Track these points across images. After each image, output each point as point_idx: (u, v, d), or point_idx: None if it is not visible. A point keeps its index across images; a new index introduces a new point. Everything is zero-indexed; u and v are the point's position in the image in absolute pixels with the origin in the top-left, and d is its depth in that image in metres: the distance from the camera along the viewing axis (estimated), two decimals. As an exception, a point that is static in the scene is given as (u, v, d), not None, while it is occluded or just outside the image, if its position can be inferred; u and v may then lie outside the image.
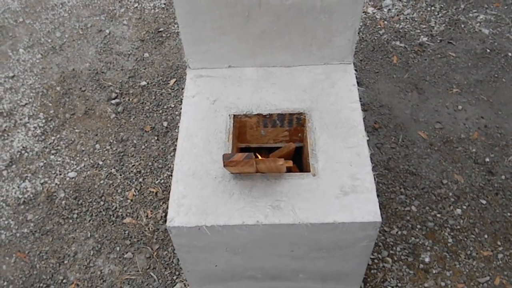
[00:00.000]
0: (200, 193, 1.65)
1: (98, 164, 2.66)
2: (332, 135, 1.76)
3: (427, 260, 2.24)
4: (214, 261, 1.79)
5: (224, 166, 1.57)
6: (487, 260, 2.23)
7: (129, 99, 2.94)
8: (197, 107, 1.89)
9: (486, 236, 2.30)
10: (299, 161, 2.07)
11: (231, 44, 1.89)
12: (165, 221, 2.39)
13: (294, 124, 1.90)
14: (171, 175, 2.52)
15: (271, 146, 2.06)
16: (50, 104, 2.95)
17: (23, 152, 2.74)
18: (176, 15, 1.82)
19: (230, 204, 1.61)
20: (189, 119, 1.85)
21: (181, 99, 2.89)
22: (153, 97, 2.94)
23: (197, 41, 1.88)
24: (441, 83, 2.90)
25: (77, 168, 2.65)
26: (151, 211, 2.47)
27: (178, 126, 2.68)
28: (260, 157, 2.01)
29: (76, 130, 2.82)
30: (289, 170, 1.72)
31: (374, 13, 3.32)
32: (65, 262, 2.33)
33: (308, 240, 1.65)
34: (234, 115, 1.85)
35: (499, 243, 2.28)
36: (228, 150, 1.74)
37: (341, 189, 1.63)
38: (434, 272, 2.21)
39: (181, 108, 2.21)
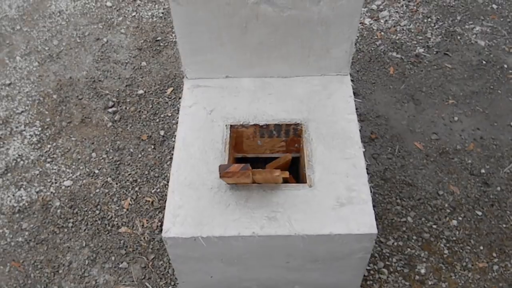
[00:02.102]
0: (196, 204, 1.64)
1: (94, 172, 2.65)
2: (328, 146, 1.77)
3: (422, 271, 2.24)
4: (209, 272, 1.78)
5: (220, 177, 1.57)
6: (482, 272, 2.23)
7: (126, 108, 2.94)
8: (194, 117, 1.89)
9: (481, 248, 2.30)
10: (295, 171, 2.07)
11: (229, 55, 1.90)
12: (161, 230, 2.38)
13: (291, 134, 1.91)
14: (167, 184, 2.52)
15: (267, 156, 2.06)
16: (46, 112, 2.94)
17: (18, 160, 2.73)
18: (174, 25, 1.82)
19: (226, 215, 1.61)
20: (186, 129, 1.85)
21: (178, 108, 2.88)
22: (150, 106, 2.94)
23: (195, 51, 1.89)
24: (437, 94, 2.91)
25: (73, 177, 2.64)
26: (146, 220, 2.46)
27: (175, 135, 2.68)
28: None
29: (73, 139, 2.81)
30: (285, 181, 1.72)
31: (371, 24, 3.35)
32: (60, 271, 2.32)
33: (304, 252, 1.65)
34: (231, 125, 1.85)
35: (494, 254, 2.28)
36: (225, 161, 1.74)
37: (337, 200, 1.63)
38: (429, 283, 2.21)
39: (178, 117, 2.21)
